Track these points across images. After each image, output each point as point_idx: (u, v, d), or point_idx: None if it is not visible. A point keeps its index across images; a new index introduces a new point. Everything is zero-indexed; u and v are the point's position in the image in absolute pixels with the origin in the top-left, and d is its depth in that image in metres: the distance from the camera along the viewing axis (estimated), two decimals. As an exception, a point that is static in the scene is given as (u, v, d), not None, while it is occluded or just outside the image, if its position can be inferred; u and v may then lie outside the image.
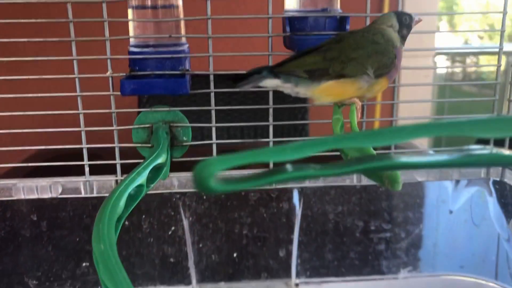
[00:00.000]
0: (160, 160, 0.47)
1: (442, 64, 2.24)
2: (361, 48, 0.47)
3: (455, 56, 2.28)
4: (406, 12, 0.50)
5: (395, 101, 0.57)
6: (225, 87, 0.54)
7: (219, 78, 0.53)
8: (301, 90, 0.48)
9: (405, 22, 0.49)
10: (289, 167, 0.22)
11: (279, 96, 0.53)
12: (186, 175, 0.57)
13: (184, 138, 0.55)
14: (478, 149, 0.23)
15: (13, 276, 0.61)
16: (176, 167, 0.55)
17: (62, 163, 0.53)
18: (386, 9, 1.63)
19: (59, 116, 0.53)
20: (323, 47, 0.48)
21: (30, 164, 0.55)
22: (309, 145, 0.21)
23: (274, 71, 0.48)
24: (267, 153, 0.21)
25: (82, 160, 0.54)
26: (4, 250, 0.60)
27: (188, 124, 0.55)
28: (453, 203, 0.73)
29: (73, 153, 0.54)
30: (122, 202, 0.37)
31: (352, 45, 0.47)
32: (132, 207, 0.40)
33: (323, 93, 0.48)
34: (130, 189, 0.39)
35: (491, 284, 0.66)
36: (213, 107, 0.55)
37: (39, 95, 0.52)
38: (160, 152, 0.47)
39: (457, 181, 0.74)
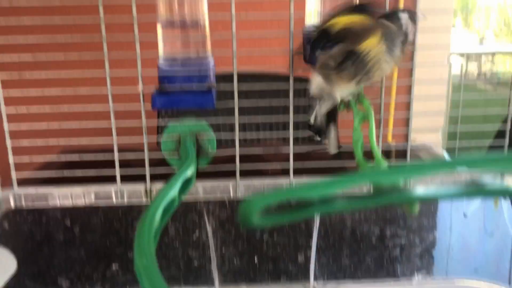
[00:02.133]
0: (190, 172, 0.49)
1: (457, 63, 2.24)
2: None
3: (470, 55, 2.27)
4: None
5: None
6: (247, 100, 0.56)
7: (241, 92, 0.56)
8: None
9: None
10: (317, 201, 0.24)
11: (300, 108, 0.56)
12: (210, 183, 0.60)
13: (210, 149, 0.58)
14: (489, 183, 0.26)
15: (47, 277, 0.65)
16: (200, 174, 0.58)
17: (95, 169, 0.56)
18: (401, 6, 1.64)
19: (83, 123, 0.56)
20: None
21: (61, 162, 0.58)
22: (339, 182, 0.24)
23: None
24: (304, 189, 0.23)
25: (110, 165, 0.57)
26: (39, 253, 0.64)
27: (214, 136, 0.58)
28: (467, 208, 0.75)
29: (98, 159, 0.57)
30: (158, 216, 0.40)
31: None
32: (166, 221, 0.43)
33: None
34: (164, 203, 0.41)
35: (503, 289, 0.68)
36: (236, 120, 0.57)
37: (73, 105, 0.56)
38: (189, 164, 0.50)
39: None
